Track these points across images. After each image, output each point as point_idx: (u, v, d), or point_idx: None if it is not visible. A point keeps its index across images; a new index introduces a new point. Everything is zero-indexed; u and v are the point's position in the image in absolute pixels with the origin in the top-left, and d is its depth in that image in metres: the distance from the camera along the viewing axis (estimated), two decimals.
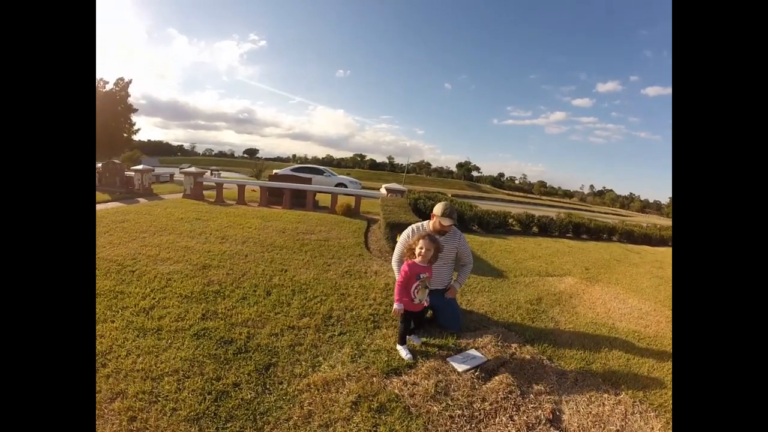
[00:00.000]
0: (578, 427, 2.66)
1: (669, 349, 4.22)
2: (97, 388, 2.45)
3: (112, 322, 3.32)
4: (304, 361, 2.98)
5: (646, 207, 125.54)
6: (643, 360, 3.84)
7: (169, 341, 3.08)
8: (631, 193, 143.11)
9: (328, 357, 3.07)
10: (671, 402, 3.07)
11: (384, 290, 4.62)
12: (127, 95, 49.99)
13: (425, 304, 3.41)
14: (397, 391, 2.71)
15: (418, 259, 3.31)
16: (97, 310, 3.51)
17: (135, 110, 51.68)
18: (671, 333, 4.75)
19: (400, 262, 3.79)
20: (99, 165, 14.60)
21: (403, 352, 3.23)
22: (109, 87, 48.36)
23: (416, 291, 3.29)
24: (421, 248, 3.29)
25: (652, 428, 2.78)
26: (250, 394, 2.52)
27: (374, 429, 2.30)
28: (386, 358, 3.10)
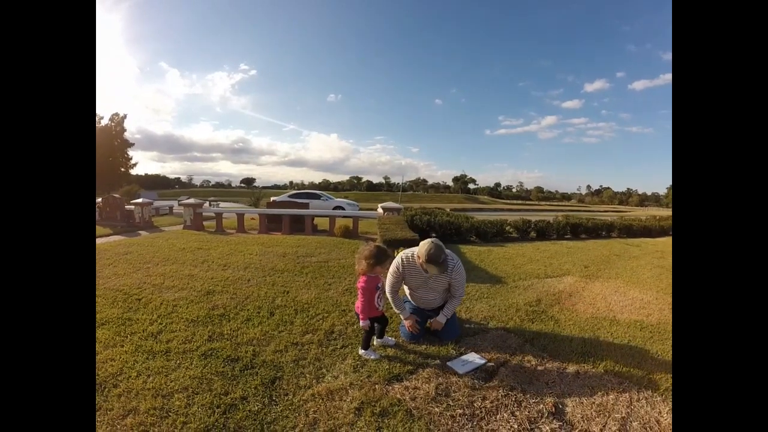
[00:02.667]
0: (582, 417, 2.71)
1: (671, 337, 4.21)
2: (109, 406, 2.56)
3: (122, 346, 3.43)
4: (308, 373, 3.08)
5: (644, 200, 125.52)
6: (647, 348, 3.89)
7: (178, 362, 3.18)
8: (628, 189, 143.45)
9: (332, 369, 3.17)
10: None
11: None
12: (123, 130, 50.55)
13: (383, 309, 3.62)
14: (398, 395, 2.80)
15: (377, 272, 3.49)
16: (106, 336, 3.63)
17: (131, 144, 52.17)
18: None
19: (394, 291, 3.84)
20: (99, 200, 14.81)
21: (370, 355, 3.39)
22: (104, 122, 49.01)
23: (379, 299, 3.48)
24: (381, 271, 3.53)
25: (659, 413, 2.83)
26: (257, 405, 2.62)
27: None
28: (387, 366, 3.19)
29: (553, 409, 2.78)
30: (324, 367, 3.19)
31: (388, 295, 3.82)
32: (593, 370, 3.35)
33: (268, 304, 4.68)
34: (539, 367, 3.37)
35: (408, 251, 3.87)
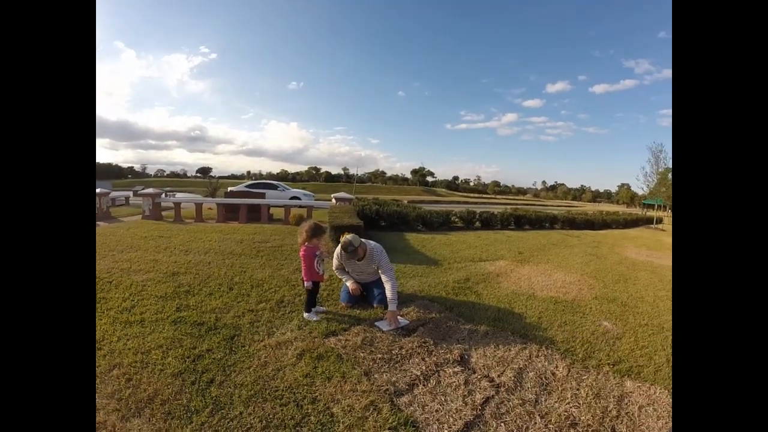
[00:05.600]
0: (483, 365, 3.29)
1: (584, 309, 4.93)
2: (97, 364, 3.09)
3: (100, 319, 3.96)
4: (261, 331, 3.76)
5: (597, 197, 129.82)
6: (555, 317, 4.51)
7: (152, 328, 3.77)
8: (582, 185, 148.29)
9: (280, 327, 3.87)
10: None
11: (328, 281, 5.27)
12: None
13: (324, 273, 4.45)
14: (332, 345, 3.52)
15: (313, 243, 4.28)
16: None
17: None
18: (591, 298, 5.49)
19: (339, 268, 4.76)
20: None
21: (312, 317, 4.12)
22: None
23: (318, 264, 4.24)
24: (319, 241, 4.35)
25: (557, 367, 3.33)
26: (220, 354, 3.29)
27: (314, 370, 3.10)
28: (325, 326, 3.91)
29: (459, 358, 3.38)
30: (274, 327, 3.89)
31: (334, 270, 4.78)
32: (501, 332, 3.99)
33: (228, 282, 5.31)
34: (453, 328, 4.06)
35: (338, 248, 4.68)
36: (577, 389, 3.04)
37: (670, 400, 2.96)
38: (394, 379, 3.06)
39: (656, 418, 2.78)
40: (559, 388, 3.04)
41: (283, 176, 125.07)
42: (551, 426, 2.60)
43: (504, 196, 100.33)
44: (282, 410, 2.59)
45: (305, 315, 4.15)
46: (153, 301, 4.52)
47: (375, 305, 4.51)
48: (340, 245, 4.49)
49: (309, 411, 2.59)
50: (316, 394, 2.80)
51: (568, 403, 2.87)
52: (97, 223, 11.93)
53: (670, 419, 2.68)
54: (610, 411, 2.81)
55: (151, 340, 3.52)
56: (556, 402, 2.87)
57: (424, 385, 3.00)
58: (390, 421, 2.51)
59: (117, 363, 3.13)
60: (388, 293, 4.21)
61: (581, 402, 2.88)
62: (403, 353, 3.47)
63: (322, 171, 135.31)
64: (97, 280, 5.24)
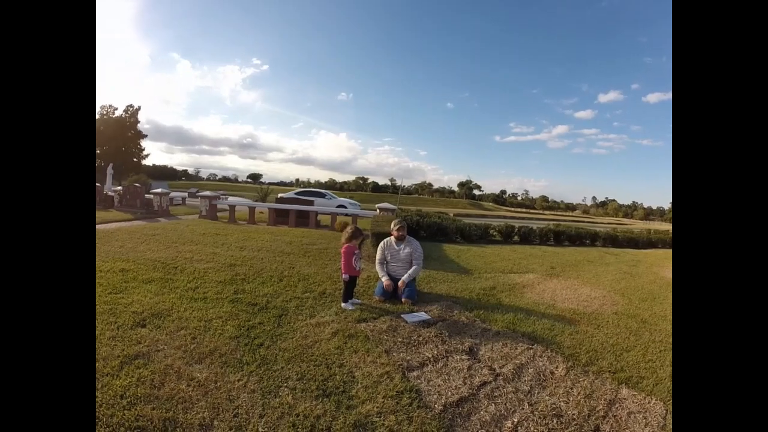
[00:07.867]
0: (488, 358, 3.70)
1: (600, 322, 5.03)
2: (164, 327, 3.81)
3: (169, 294, 4.74)
4: (304, 314, 4.46)
5: (649, 214, 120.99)
6: (568, 327, 4.69)
7: (213, 304, 4.53)
8: (633, 202, 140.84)
9: (321, 312, 4.54)
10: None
11: (366, 279, 6.04)
12: (137, 121, 51.99)
13: (361, 270, 5.26)
14: (362, 329, 4.13)
15: (353, 243, 5.00)
16: (154, 288, 4.93)
17: (144, 136, 53.63)
18: (611, 313, 5.51)
19: (381, 263, 5.57)
20: (120, 188, 16.22)
21: (348, 306, 4.77)
22: (119, 113, 50.47)
23: (356, 261, 4.91)
24: (358, 242, 5.10)
25: (556, 367, 3.58)
26: (270, 327, 3.99)
27: (344, 344, 3.72)
28: (358, 314, 4.54)
29: (468, 349, 3.82)
30: (316, 311, 4.56)
31: (376, 264, 5.59)
32: (512, 334, 4.33)
33: (278, 274, 6.09)
34: (469, 325, 4.50)
35: (387, 238, 5.78)
36: (571, 388, 3.27)
37: (665, 411, 3.06)
38: (408, 357, 3.59)
39: (644, 425, 2.87)
40: (554, 385, 3.31)
41: (331, 185, 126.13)
42: (537, 413, 2.88)
43: (552, 212, 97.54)
44: (314, 369, 3.23)
45: (342, 305, 4.79)
46: (213, 284, 5.30)
47: (403, 300, 5.09)
48: (392, 224, 5.53)
49: (335, 372, 3.21)
50: (344, 361, 3.41)
51: (559, 397, 3.12)
52: (157, 219, 13.09)
53: (660, 429, 2.83)
54: (597, 411, 2.97)
55: (212, 313, 4.25)
56: (547, 395, 3.14)
57: (432, 365, 3.49)
58: (399, 387, 3.05)
59: (184, 326, 3.87)
60: (411, 270, 5.32)
61: (571, 399, 3.10)
62: (421, 340, 3.99)
63: (369, 181, 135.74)
64: (164, 265, 6.12)
